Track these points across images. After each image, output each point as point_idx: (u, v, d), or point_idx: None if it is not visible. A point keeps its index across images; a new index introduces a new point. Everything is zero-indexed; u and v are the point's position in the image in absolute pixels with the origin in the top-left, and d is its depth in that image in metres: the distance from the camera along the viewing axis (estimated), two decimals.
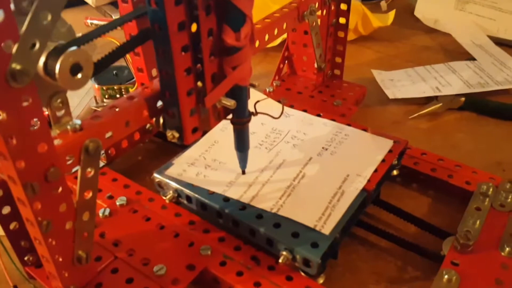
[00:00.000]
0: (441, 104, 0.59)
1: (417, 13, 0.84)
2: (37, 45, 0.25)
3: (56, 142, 0.30)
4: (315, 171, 0.42)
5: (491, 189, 0.42)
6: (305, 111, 0.51)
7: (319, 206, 0.38)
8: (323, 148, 0.45)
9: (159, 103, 0.36)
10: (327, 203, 0.39)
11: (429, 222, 0.42)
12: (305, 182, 0.41)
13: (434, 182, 0.46)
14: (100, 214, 0.41)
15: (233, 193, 0.40)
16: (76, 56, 0.28)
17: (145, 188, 0.43)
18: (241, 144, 0.40)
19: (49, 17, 0.25)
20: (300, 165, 0.43)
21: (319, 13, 0.54)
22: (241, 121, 0.38)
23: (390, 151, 0.44)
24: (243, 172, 0.42)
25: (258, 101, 0.40)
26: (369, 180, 0.41)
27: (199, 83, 0.34)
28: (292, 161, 0.43)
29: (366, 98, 0.61)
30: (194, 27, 0.32)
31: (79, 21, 0.83)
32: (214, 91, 0.35)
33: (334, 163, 0.43)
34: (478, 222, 0.39)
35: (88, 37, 0.31)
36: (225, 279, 0.36)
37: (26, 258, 0.37)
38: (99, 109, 0.55)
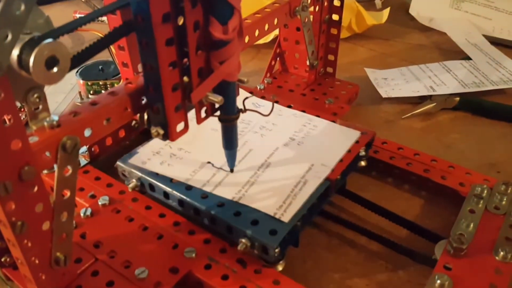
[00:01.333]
0: (435, 103, 0.58)
1: (412, 11, 0.83)
2: (9, 37, 0.24)
3: (32, 139, 0.28)
4: (280, 161, 0.42)
5: (485, 191, 0.41)
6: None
7: (281, 195, 0.38)
8: (290, 138, 0.45)
9: (144, 100, 0.34)
10: (289, 191, 0.38)
11: (421, 225, 0.41)
12: (269, 171, 0.41)
13: (427, 183, 0.45)
14: (82, 214, 0.39)
15: (196, 182, 0.39)
16: (52, 49, 0.26)
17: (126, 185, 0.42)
18: (229, 142, 0.39)
19: (22, 7, 0.24)
20: (266, 154, 0.43)
21: (311, 9, 0.53)
22: (229, 118, 0.37)
23: (357, 142, 0.44)
24: (231, 171, 0.41)
25: (246, 98, 0.39)
26: (333, 170, 0.41)
27: (185, 78, 0.33)
28: (258, 151, 0.43)
29: (358, 97, 0.60)
30: (180, 20, 0.30)
31: (67, 15, 0.81)
32: (200, 87, 0.33)
33: (300, 153, 0.43)
34: (472, 225, 0.38)
35: (66, 28, 0.29)
36: (210, 282, 0.34)
37: (3, 259, 0.35)
38: None
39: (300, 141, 0.45)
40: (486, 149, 0.52)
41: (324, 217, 0.42)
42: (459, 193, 0.43)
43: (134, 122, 0.48)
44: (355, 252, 0.40)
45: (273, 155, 0.43)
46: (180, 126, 0.35)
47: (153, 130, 0.34)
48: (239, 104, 0.38)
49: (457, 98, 0.58)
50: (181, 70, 0.32)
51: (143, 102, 0.34)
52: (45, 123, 0.29)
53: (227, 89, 0.35)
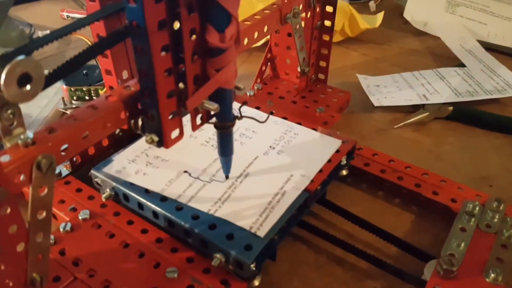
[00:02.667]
0: (428, 113, 0.57)
1: (406, 15, 0.81)
2: None
3: (4, 158, 0.27)
4: (259, 171, 0.41)
5: (477, 208, 0.40)
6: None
7: (258, 207, 0.37)
8: (270, 147, 0.44)
9: (124, 114, 0.33)
10: (266, 204, 0.37)
11: (411, 244, 0.40)
12: (247, 182, 0.40)
13: (417, 197, 0.44)
14: (61, 229, 0.38)
15: (171, 193, 0.38)
16: (24, 66, 0.25)
17: (111, 200, 0.41)
18: (225, 149, 0.39)
19: None
20: (245, 164, 0.42)
21: (303, 15, 0.51)
22: (225, 125, 0.37)
23: (337, 151, 0.43)
24: (227, 177, 0.40)
25: (243, 104, 0.39)
26: (312, 181, 0.40)
27: (181, 85, 0.32)
28: (237, 160, 0.41)
29: (350, 104, 0.59)
30: (176, 25, 0.30)
31: (54, 14, 0.79)
32: (196, 94, 0.33)
33: (280, 163, 0.42)
34: (462, 245, 0.37)
35: (41, 42, 0.28)
36: None
37: None
38: (67, 112, 0.52)
39: (280, 150, 0.44)
40: (479, 161, 0.51)
41: (313, 233, 0.41)
42: (450, 209, 0.42)
43: (118, 131, 0.47)
44: (343, 271, 0.39)
45: (252, 165, 0.42)
46: (175, 133, 0.34)
47: (147, 137, 0.34)
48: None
49: (451, 108, 0.57)
50: (176, 76, 0.32)
51: (126, 115, 0.33)
52: (19, 141, 0.28)
53: (223, 97, 0.35)
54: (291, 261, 0.39)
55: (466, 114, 0.58)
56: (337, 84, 0.60)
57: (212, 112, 0.36)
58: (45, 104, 0.53)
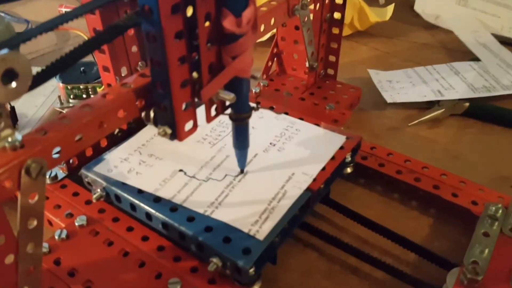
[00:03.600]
0: (443, 109, 0.54)
1: (417, 8, 0.78)
2: None
3: None
4: (258, 169, 0.39)
5: (500, 211, 0.38)
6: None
7: (257, 208, 0.35)
8: (270, 143, 0.41)
9: (122, 113, 0.30)
10: (266, 204, 0.35)
11: (430, 250, 0.37)
12: (246, 181, 0.37)
13: (436, 200, 0.41)
14: (56, 237, 0.35)
15: (165, 193, 0.36)
16: (9, 61, 0.23)
17: (109, 205, 0.38)
18: (241, 141, 0.37)
19: None
20: None
21: (311, 7, 0.49)
22: (241, 117, 0.35)
23: (342, 147, 0.41)
24: (242, 171, 0.38)
25: (258, 101, 0.37)
26: (315, 179, 0.37)
27: (195, 74, 0.30)
28: (235, 158, 0.39)
29: (361, 101, 0.56)
30: (189, 11, 0.28)
31: (53, 10, 0.77)
32: (211, 83, 0.31)
33: (280, 160, 0.40)
34: (486, 251, 0.35)
35: (29, 35, 0.25)
36: None
37: None
38: (63, 111, 0.49)
39: (281, 147, 0.41)
40: (498, 161, 0.48)
41: (324, 240, 0.38)
42: (471, 212, 0.39)
43: (117, 131, 0.44)
44: (358, 281, 0.36)
45: (251, 162, 0.39)
46: (188, 125, 0.32)
47: (160, 130, 0.32)
48: None
49: (467, 104, 0.55)
50: (190, 65, 0.30)
51: (124, 114, 0.31)
52: (6, 144, 0.25)
53: (240, 86, 0.33)
54: (302, 269, 0.37)
55: (483, 111, 0.55)
56: (347, 80, 0.57)
57: (227, 103, 0.34)
58: (41, 103, 0.51)
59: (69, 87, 0.48)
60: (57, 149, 0.28)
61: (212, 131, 0.43)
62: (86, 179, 0.38)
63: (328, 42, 0.54)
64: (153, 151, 0.40)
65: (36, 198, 0.26)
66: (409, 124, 0.53)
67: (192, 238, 0.33)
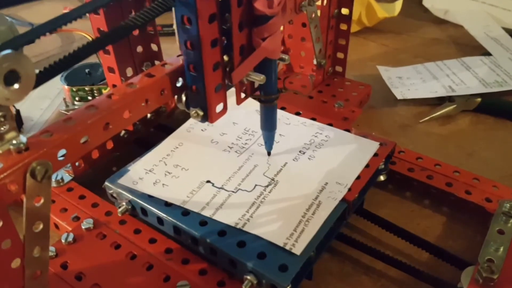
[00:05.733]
0: (455, 105, 0.53)
1: (426, 2, 0.77)
2: None
3: None
4: (289, 179, 0.37)
5: None
6: (298, 114, 0.45)
7: (292, 221, 0.33)
8: (300, 152, 0.40)
9: (128, 114, 0.30)
10: (300, 216, 0.34)
11: (444, 249, 0.36)
12: (277, 192, 0.36)
13: (449, 197, 0.40)
14: (63, 240, 0.35)
15: (194, 205, 0.35)
16: (11, 62, 0.22)
17: (116, 207, 0.38)
18: (269, 123, 0.37)
19: None
20: (273, 171, 0.38)
21: (319, 2, 0.48)
22: (270, 98, 0.36)
23: (375, 154, 0.39)
24: (269, 154, 0.39)
25: (287, 77, 0.38)
26: (350, 189, 0.36)
27: (225, 57, 0.32)
28: (264, 167, 0.38)
29: (370, 98, 0.55)
30: None
31: (57, 13, 0.77)
32: (242, 65, 0.32)
33: (312, 170, 0.38)
34: (501, 249, 0.34)
35: (32, 35, 0.25)
36: None
37: None
38: (69, 113, 0.49)
39: (311, 155, 0.39)
40: (511, 157, 0.47)
41: (336, 239, 0.37)
42: (485, 210, 0.38)
43: (123, 132, 0.44)
44: (371, 281, 0.35)
45: (281, 172, 0.38)
46: (219, 107, 0.33)
47: (192, 112, 0.33)
48: None
49: (479, 99, 0.53)
50: (221, 48, 0.31)
51: (130, 115, 0.30)
52: (11, 147, 0.25)
53: (269, 67, 0.34)
54: (314, 270, 0.36)
55: (496, 106, 0.54)
56: (355, 77, 0.56)
57: (256, 85, 0.35)
58: (47, 106, 0.50)
59: (74, 89, 0.47)
60: (63, 151, 0.27)
61: (238, 139, 0.41)
62: (110, 191, 0.37)
63: (336, 38, 0.53)
64: (178, 161, 0.39)
65: (42, 201, 0.26)
66: (420, 121, 0.52)
67: (224, 254, 0.31)
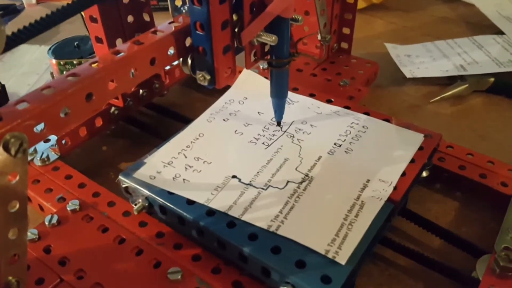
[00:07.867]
0: (466, 85, 0.50)
1: None
2: None
3: None
4: (326, 175, 0.33)
5: None
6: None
7: (332, 224, 0.29)
8: (335, 144, 0.36)
9: (113, 85, 0.27)
10: (342, 219, 0.30)
11: (457, 235, 0.34)
12: (312, 189, 0.32)
13: (461, 181, 0.38)
14: (46, 223, 0.33)
15: (219, 204, 0.31)
16: None
17: (105, 188, 0.35)
18: (280, 90, 0.35)
19: None
20: (307, 166, 0.34)
21: None
22: (282, 62, 0.34)
23: (420, 148, 0.35)
24: (278, 124, 0.37)
25: (300, 39, 0.37)
26: (395, 188, 0.32)
27: (234, 16, 0.30)
28: (296, 161, 0.34)
29: (378, 77, 0.52)
30: None
31: None
32: (252, 24, 0.30)
33: (350, 165, 0.34)
34: None
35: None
36: None
37: None
38: None
39: (349, 148, 0.36)
40: None
41: None
42: (501, 194, 0.36)
43: (113, 109, 0.41)
44: (379, 270, 0.33)
45: (315, 167, 0.34)
46: (227, 71, 0.32)
47: (199, 75, 0.32)
48: None
49: (492, 79, 0.51)
50: (230, 5, 0.29)
51: (115, 86, 0.27)
52: None
53: (281, 27, 0.32)
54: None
55: (509, 86, 0.51)
56: (362, 55, 0.53)
57: (266, 49, 0.33)
58: (34, 82, 0.48)
59: (61, 62, 0.44)
60: (41, 125, 0.25)
61: (264, 130, 0.38)
62: (125, 185, 0.33)
63: (342, 12, 0.50)
64: (199, 153, 0.35)
65: (17, 178, 0.24)
66: (431, 101, 0.49)
67: (257, 261, 0.28)
